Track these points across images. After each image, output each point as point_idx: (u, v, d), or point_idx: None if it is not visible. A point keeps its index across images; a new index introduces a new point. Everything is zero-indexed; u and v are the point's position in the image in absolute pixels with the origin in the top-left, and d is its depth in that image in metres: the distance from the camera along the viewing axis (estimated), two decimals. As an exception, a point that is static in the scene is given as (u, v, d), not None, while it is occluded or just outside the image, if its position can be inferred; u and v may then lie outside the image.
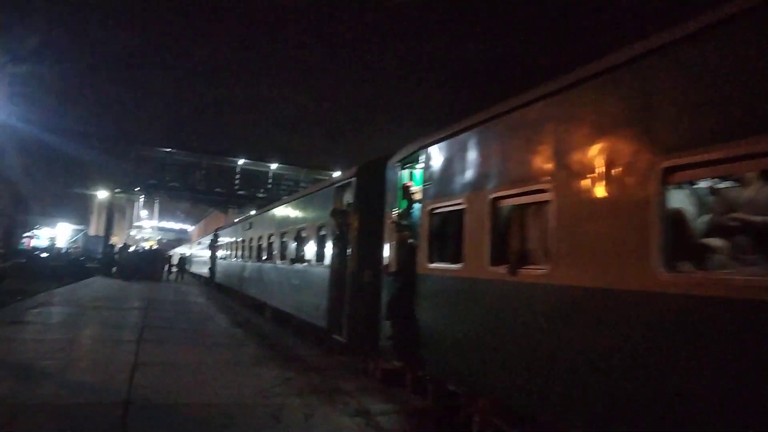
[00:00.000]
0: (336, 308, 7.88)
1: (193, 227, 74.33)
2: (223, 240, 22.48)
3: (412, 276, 5.49)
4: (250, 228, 16.26)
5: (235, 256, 18.34)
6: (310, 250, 9.50)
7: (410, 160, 6.12)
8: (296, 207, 11.30)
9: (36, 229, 44.27)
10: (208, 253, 26.19)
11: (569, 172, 3.42)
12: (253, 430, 4.51)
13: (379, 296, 6.61)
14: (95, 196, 40.15)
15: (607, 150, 3.16)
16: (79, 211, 48.80)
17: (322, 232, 8.98)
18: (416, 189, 6.06)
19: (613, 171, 3.09)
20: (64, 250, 38.80)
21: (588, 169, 3.27)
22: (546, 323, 3.51)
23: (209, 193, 34.12)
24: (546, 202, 3.64)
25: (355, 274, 7.32)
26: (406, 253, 5.83)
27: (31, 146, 29.93)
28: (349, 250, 7.54)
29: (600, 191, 3.17)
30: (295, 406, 5.17)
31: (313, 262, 9.17)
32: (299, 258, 9.96)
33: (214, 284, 23.87)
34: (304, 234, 10.00)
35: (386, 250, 6.50)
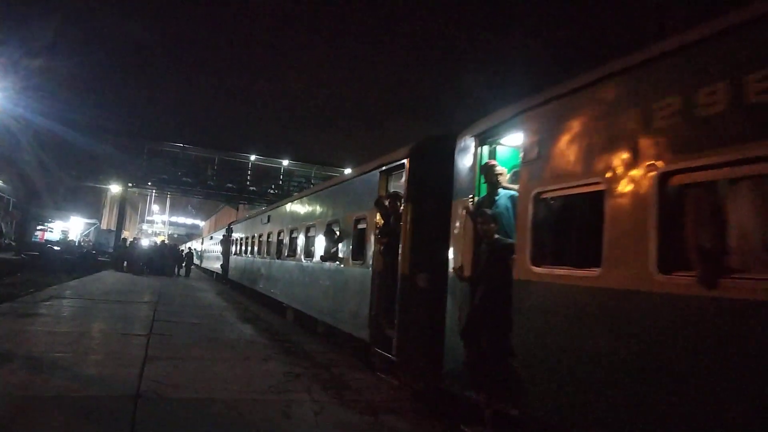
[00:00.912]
0: (381, 318, 6.59)
1: (204, 222, 73.78)
2: (238, 234, 21.29)
3: (501, 283, 4.16)
4: (268, 221, 15.01)
5: (252, 252, 17.12)
6: (345, 246, 8.19)
7: (493, 134, 4.76)
8: (327, 197, 9.94)
9: (49, 222, 44.00)
10: (219, 248, 25.15)
11: None
12: (263, 426, 4.44)
13: (441, 306, 5.30)
14: (108, 190, 39.83)
15: None
16: (92, 205, 48.57)
17: (361, 226, 7.67)
18: (502, 170, 4.73)
19: None
20: (76, 244, 38.21)
21: None
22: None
23: (221, 189, 33.62)
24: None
25: (407, 276, 6.02)
26: (489, 252, 4.49)
27: (45, 140, 29.84)
28: (399, 248, 6.23)
29: None
30: (304, 402, 5.13)
31: (350, 260, 7.86)
32: (331, 255, 8.64)
33: (226, 281, 22.75)
34: (336, 228, 8.68)
35: (453, 249, 5.18)
